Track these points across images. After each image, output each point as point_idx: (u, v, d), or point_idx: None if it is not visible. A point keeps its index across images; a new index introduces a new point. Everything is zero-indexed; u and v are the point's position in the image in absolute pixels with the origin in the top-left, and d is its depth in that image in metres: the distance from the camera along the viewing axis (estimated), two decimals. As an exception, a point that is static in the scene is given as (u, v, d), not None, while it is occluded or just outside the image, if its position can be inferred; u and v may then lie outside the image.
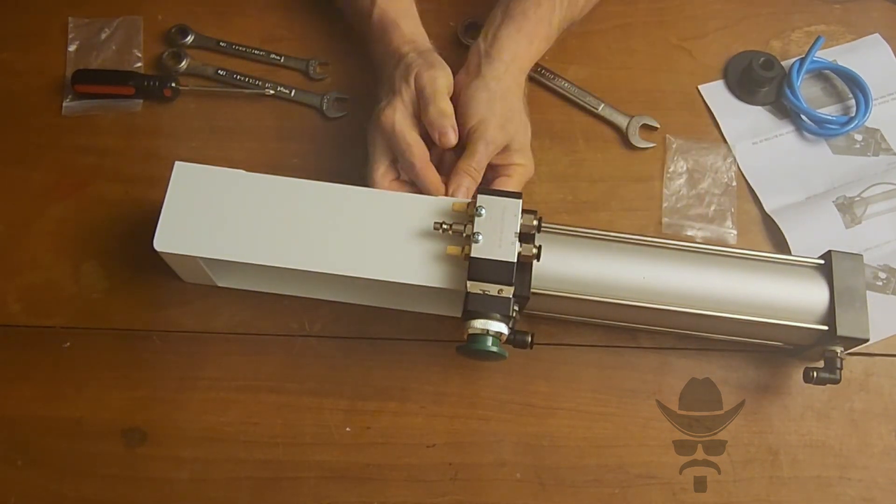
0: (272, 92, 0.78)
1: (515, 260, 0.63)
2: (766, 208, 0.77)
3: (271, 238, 0.65)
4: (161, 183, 0.76)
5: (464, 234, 0.64)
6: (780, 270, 0.68)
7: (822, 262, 0.68)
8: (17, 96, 0.79)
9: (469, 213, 0.64)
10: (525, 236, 0.64)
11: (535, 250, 0.63)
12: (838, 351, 0.67)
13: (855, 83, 0.81)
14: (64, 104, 0.78)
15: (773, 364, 0.74)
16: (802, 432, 0.73)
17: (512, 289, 0.63)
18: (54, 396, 0.73)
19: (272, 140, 0.78)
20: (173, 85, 0.78)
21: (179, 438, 0.72)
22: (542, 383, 0.73)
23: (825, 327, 0.66)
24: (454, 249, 0.64)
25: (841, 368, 0.68)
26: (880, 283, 0.75)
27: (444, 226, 0.64)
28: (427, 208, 0.66)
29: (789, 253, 0.76)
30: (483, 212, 0.63)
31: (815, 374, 0.68)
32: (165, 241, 0.65)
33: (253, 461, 0.72)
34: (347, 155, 0.78)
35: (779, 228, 0.77)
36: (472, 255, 0.63)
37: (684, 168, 0.79)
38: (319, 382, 0.73)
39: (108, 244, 0.76)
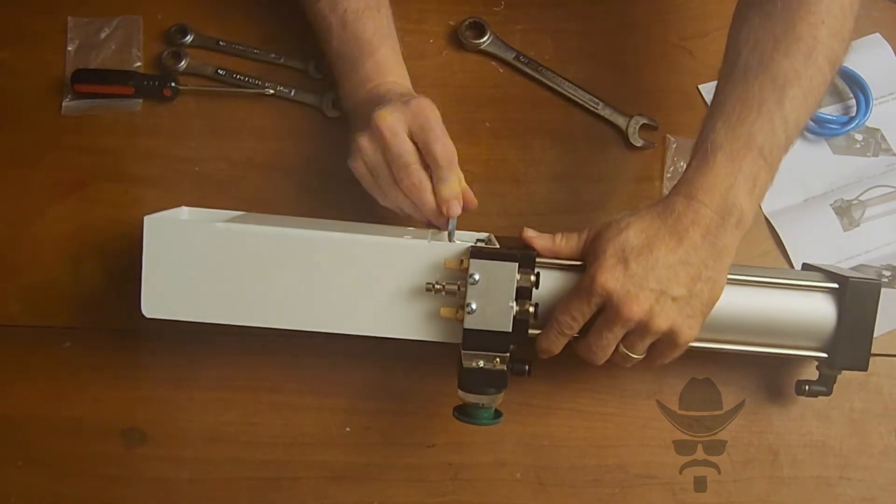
0: (272, 92, 0.78)
1: (511, 330, 0.61)
2: (765, 210, 0.77)
3: (261, 297, 0.64)
4: (161, 183, 0.77)
5: (457, 296, 0.61)
6: (788, 294, 0.66)
7: (836, 286, 0.66)
8: (17, 96, 0.79)
9: (462, 269, 0.61)
10: (522, 292, 0.61)
11: (531, 309, 0.61)
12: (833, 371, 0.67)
13: (855, 83, 0.81)
14: (63, 104, 0.78)
15: (773, 365, 0.74)
16: (802, 432, 0.73)
17: (508, 356, 0.61)
18: (54, 396, 0.73)
19: (272, 140, 0.78)
20: (173, 84, 0.78)
21: (179, 438, 0.72)
22: (542, 383, 0.73)
23: (824, 355, 0.66)
24: (448, 312, 0.62)
25: (834, 382, 0.68)
26: (885, 280, 0.75)
27: (437, 286, 0.61)
28: (419, 261, 0.63)
29: (788, 256, 0.76)
30: (477, 278, 0.60)
31: (807, 387, 0.68)
32: (153, 305, 0.64)
33: (253, 461, 0.72)
34: (347, 155, 0.78)
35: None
36: (466, 325, 0.60)
37: (684, 168, 0.78)
38: (319, 382, 0.73)
39: (108, 244, 0.75)
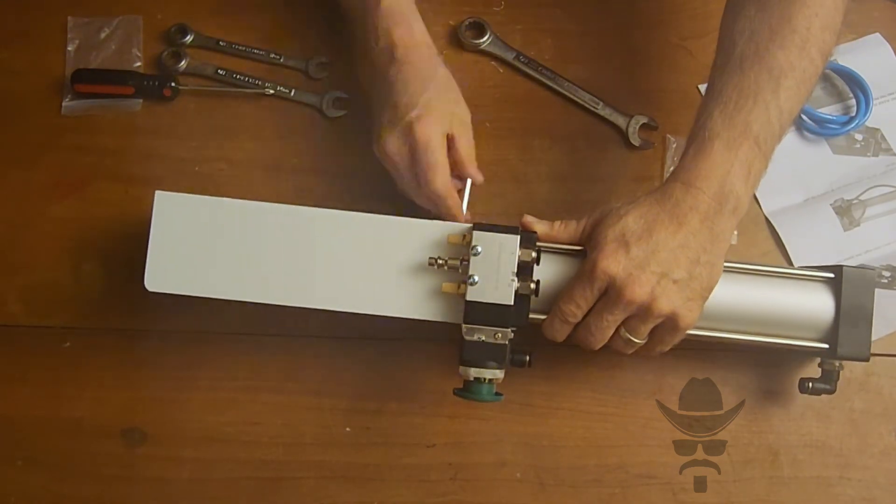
0: (272, 92, 0.78)
1: (512, 303, 0.61)
2: (765, 210, 0.77)
3: (264, 273, 0.64)
4: (161, 183, 0.76)
5: (459, 271, 0.62)
6: (785, 285, 0.66)
7: (831, 275, 0.66)
8: (17, 96, 0.79)
9: (465, 243, 0.62)
10: (524, 268, 0.62)
11: (532, 286, 0.62)
12: (836, 364, 0.67)
13: (855, 82, 0.81)
14: (63, 104, 0.78)
15: (773, 364, 0.74)
16: (802, 432, 0.73)
17: (509, 331, 0.62)
18: (54, 396, 0.73)
19: (272, 140, 0.78)
20: (173, 84, 0.78)
21: (179, 438, 0.72)
22: (542, 383, 0.73)
23: (825, 346, 0.66)
24: (450, 287, 0.63)
25: (838, 379, 0.68)
26: (885, 281, 0.75)
27: (440, 261, 0.62)
28: (421, 238, 0.64)
29: (788, 256, 0.76)
30: (479, 250, 0.61)
31: (810, 384, 0.68)
32: (156, 279, 0.65)
33: (253, 461, 0.72)
34: (347, 155, 0.78)
35: (779, 229, 0.77)
36: (468, 298, 0.61)
37: (683, 164, 0.78)
38: (319, 383, 0.73)
39: (108, 244, 0.76)
